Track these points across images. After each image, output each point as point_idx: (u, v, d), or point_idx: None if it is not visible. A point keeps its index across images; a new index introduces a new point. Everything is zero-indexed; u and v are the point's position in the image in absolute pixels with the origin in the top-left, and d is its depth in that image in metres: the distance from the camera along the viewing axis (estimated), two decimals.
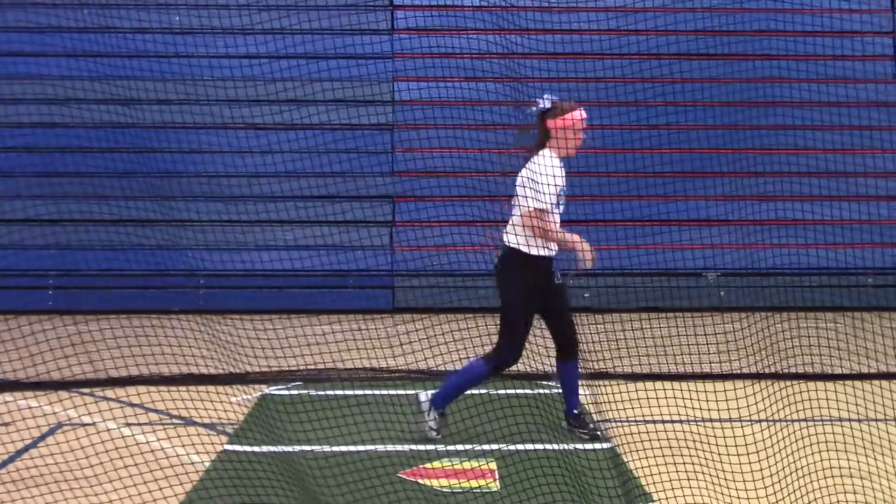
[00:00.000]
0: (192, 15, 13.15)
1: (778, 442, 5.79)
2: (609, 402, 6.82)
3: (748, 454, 5.80)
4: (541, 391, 7.95)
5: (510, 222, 6.64)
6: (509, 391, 7.77)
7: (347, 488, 5.55)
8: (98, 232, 12.56)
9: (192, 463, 6.18)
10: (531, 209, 6.51)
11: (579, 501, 5.38)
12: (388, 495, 5.45)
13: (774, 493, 5.33)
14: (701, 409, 6.51)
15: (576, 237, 6.62)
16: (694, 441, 6.00)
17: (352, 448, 6.27)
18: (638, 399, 6.56)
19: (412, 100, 13.79)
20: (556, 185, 6.54)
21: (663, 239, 12.89)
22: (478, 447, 6.31)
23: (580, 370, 6.80)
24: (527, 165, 6.66)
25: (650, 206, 13.32)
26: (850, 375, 7.54)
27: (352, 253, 12.78)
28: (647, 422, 6.83)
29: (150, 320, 8.98)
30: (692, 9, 13.66)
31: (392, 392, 7.87)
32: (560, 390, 6.97)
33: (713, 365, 8.03)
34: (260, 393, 8.09)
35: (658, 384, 7.23)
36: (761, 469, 5.59)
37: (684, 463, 5.68)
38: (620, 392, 6.68)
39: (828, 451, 5.75)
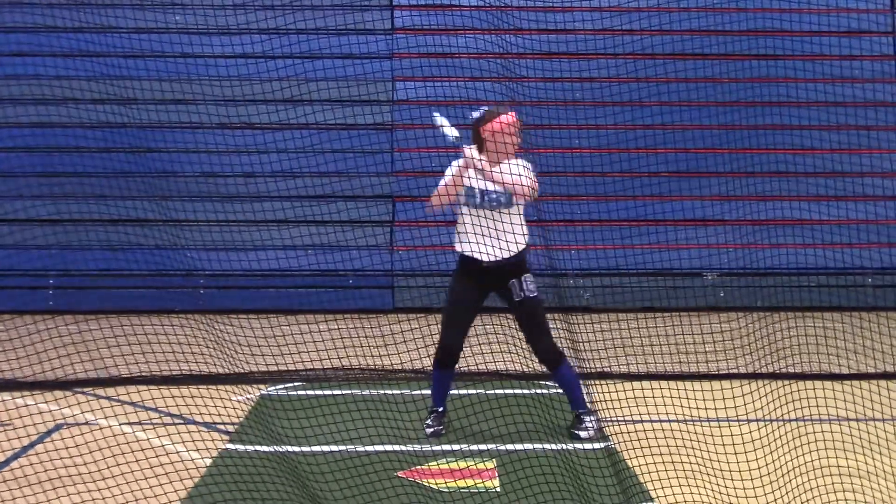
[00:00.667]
0: (188, 14, 13.15)
1: (776, 440, 5.81)
2: (608, 401, 6.84)
3: (747, 453, 5.82)
4: (540, 391, 7.97)
5: (500, 236, 6.67)
6: (509, 391, 7.79)
7: (348, 488, 5.56)
8: (98, 232, 12.56)
9: (193, 460, 6.19)
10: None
11: (578, 500, 5.40)
12: (388, 495, 5.46)
13: (773, 492, 5.35)
14: (699, 408, 6.52)
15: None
16: (693, 440, 6.02)
17: (352, 448, 6.29)
18: (636, 398, 6.58)
19: (411, 99, 13.80)
20: (469, 179, 6.65)
21: (660, 238, 12.89)
22: (477, 447, 6.32)
23: (577, 369, 6.82)
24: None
25: (647, 206, 13.32)
26: (850, 375, 7.56)
27: (351, 252, 12.79)
28: (645, 421, 6.85)
29: (150, 320, 9.00)
30: (692, 8, 13.67)
31: (391, 392, 7.88)
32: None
33: (710, 364, 8.05)
34: (260, 393, 8.10)
35: (656, 384, 7.24)
36: (759, 468, 5.61)
37: (682, 462, 5.70)
38: (619, 391, 6.70)
39: (826, 450, 5.77)
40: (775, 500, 5.30)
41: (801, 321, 8.08)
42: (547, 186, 12.61)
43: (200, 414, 6.68)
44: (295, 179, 12.94)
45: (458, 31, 13.09)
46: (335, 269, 12.87)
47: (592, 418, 6.75)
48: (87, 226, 12.75)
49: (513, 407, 6.94)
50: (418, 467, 6.08)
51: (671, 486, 5.46)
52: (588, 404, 6.78)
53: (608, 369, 7.53)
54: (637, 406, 6.56)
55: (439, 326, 6.78)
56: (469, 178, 6.70)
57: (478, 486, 5.76)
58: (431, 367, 6.93)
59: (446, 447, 6.45)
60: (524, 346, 6.75)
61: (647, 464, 5.77)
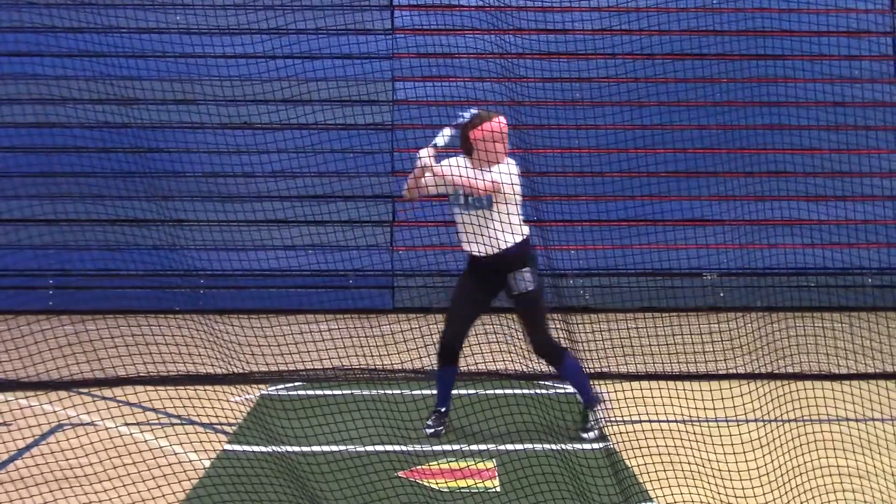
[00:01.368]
0: (189, 14, 13.14)
1: (775, 440, 5.81)
2: (607, 401, 6.84)
3: (746, 453, 5.82)
4: (540, 391, 7.97)
5: (498, 228, 6.70)
6: (509, 391, 7.79)
7: (348, 488, 5.56)
8: (97, 232, 12.54)
9: (191, 461, 6.20)
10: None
11: (578, 500, 5.40)
12: (388, 495, 5.47)
13: (773, 492, 5.35)
14: (699, 408, 6.52)
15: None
16: (692, 440, 6.02)
17: (352, 448, 6.29)
18: (635, 398, 6.58)
19: (411, 99, 13.80)
20: (452, 177, 6.68)
21: (659, 238, 12.89)
22: (477, 447, 6.33)
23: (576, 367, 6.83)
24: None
25: (647, 205, 13.32)
26: (850, 375, 7.55)
27: (351, 252, 12.79)
28: (644, 421, 6.85)
29: (150, 320, 8.99)
30: (692, 9, 13.67)
31: (392, 392, 7.88)
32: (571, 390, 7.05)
33: (710, 364, 8.04)
34: (260, 393, 8.10)
35: (656, 384, 7.24)
36: (758, 468, 5.61)
37: (681, 462, 5.70)
38: (618, 391, 6.70)
39: (826, 450, 5.77)
40: (774, 500, 5.30)
41: (800, 321, 8.08)
42: (546, 186, 12.62)
43: (200, 416, 6.68)
44: (295, 179, 12.95)
45: (458, 31, 13.10)
46: (335, 269, 12.87)
47: (599, 414, 6.79)
48: (86, 226, 12.73)
49: (512, 407, 6.94)
50: (418, 467, 6.08)
51: (670, 486, 5.46)
52: (598, 395, 6.83)
53: (607, 369, 7.52)
54: (636, 406, 6.56)
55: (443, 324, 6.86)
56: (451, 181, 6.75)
57: (477, 485, 5.76)
58: (431, 367, 6.95)
59: (446, 447, 6.45)
60: (524, 346, 6.77)
61: (646, 464, 5.77)
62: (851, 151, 13.31)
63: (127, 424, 7.11)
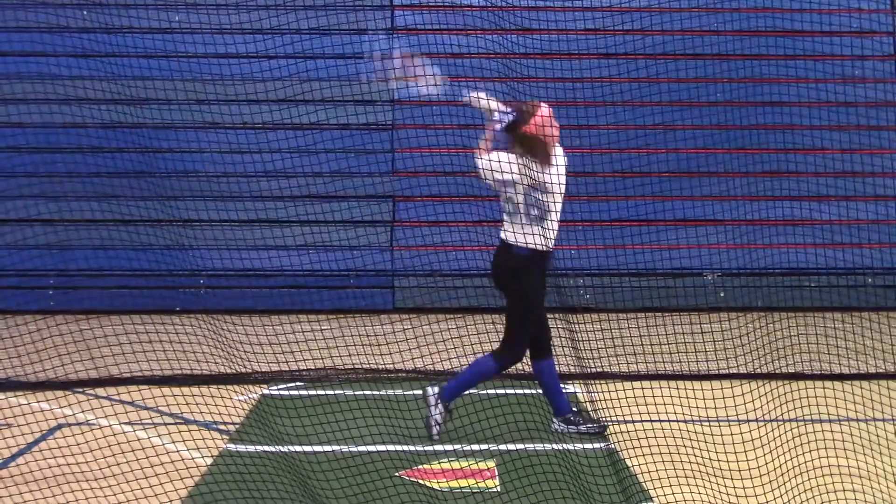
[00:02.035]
0: (191, 13, 13.14)
1: (776, 440, 5.80)
2: (608, 401, 6.84)
3: (746, 453, 5.82)
4: (540, 391, 7.96)
5: (519, 222, 6.66)
6: (508, 391, 7.79)
7: (348, 487, 5.56)
8: (98, 231, 12.54)
9: (193, 459, 6.20)
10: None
11: (579, 500, 5.40)
12: (388, 495, 5.46)
13: (773, 492, 5.34)
14: (699, 408, 6.52)
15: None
16: (692, 440, 6.02)
17: (352, 448, 6.29)
18: (635, 398, 6.58)
19: (412, 99, 13.78)
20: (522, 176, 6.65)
21: (660, 238, 12.88)
22: (478, 447, 6.32)
23: (576, 370, 6.83)
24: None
25: (648, 205, 13.32)
26: (850, 375, 7.55)
27: (352, 252, 12.78)
28: (645, 421, 6.85)
29: (150, 320, 9.00)
30: (693, 9, 13.66)
31: (392, 392, 7.88)
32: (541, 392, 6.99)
33: (710, 364, 8.05)
34: (260, 393, 8.10)
35: (656, 384, 7.25)
36: (758, 468, 5.61)
37: (682, 462, 5.70)
38: (619, 392, 6.70)
39: (826, 450, 5.77)
40: (775, 500, 5.30)
41: (801, 321, 8.08)
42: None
43: (201, 413, 6.68)
44: (297, 179, 12.94)
45: (458, 31, 13.08)
46: (335, 268, 12.87)
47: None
48: (87, 225, 12.74)
49: (513, 406, 6.94)
50: (418, 467, 6.08)
51: (670, 486, 5.46)
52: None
53: (608, 369, 7.53)
54: (636, 406, 6.56)
55: (515, 329, 6.74)
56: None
57: (477, 485, 5.76)
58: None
59: (446, 447, 6.45)
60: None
61: (646, 463, 5.77)
62: (853, 151, 13.30)
63: (130, 423, 7.11)
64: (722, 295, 13.10)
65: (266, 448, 6.24)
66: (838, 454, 5.80)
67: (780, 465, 5.55)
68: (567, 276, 12.34)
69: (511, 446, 6.32)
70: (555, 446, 6.41)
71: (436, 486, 5.75)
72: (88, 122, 12.91)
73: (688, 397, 6.51)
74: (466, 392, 6.85)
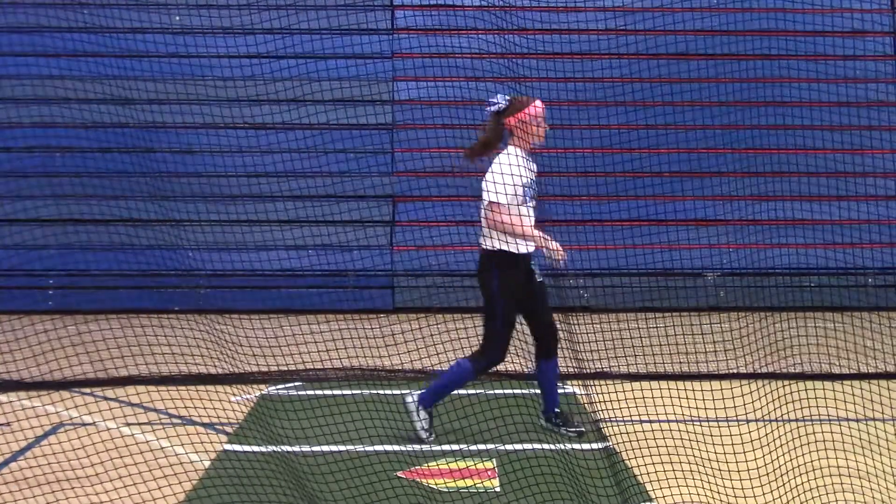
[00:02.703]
0: (192, 14, 13.14)
1: (776, 440, 5.80)
2: (607, 401, 6.83)
3: (746, 453, 5.82)
4: (538, 391, 7.95)
5: (483, 224, 6.67)
6: (509, 391, 7.79)
7: (347, 488, 5.56)
8: (98, 232, 12.55)
9: (192, 462, 6.20)
10: (487, 202, 6.53)
11: (577, 501, 5.40)
12: (388, 495, 5.47)
13: (773, 492, 5.34)
14: (699, 408, 6.52)
15: (544, 235, 6.64)
16: (692, 440, 6.02)
17: (352, 448, 6.29)
18: (635, 398, 6.57)
19: (412, 99, 13.80)
20: (520, 178, 6.53)
21: (661, 238, 12.88)
22: (477, 447, 6.32)
23: (575, 370, 6.82)
24: (491, 163, 6.68)
25: (648, 206, 13.32)
26: (850, 375, 7.54)
27: (352, 253, 12.79)
28: (644, 421, 6.85)
29: (151, 320, 8.99)
30: (694, 9, 13.67)
31: (391, 392, 7.88)
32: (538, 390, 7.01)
33: (710, 364, 8.04)
34: (260, 393, 8.10)
35: (656, 384, 7.24)
36: (758, 468, 5.61)
37: (681, 462, 5.69)
38: (618, 392, 6.70)
39: (826, 450, 5.77)
40: (774, 500, 5.30)
41: (801, 321, 8.08)
42: (547, 186, 12.60)
43: (200, 416, 6.68)
44: (297, 180, 12.95)
45: (458, 31, 13.09)
46: (336, 269, 12.87)
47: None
48: (87, 226, 12.75)
49: (513, 407, 6.94)
50: (418, 467, 6.08)
51: (670, 487, 5.46)
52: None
53: (608, 369, 7.52)
54: (636, 406, 6.56)
55: (488, 331, 6.72)
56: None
57: (477, 485, 5.76)
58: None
59: (446, 447, 6.45)
60: (528, 345, 6.78)
61: (646, 464, 5.77)
62: (853, 151, 13.30)
63: (129, 424, 7.11)
64: (722, 295, 13.10)
65: (265, 449, 6.23)
66: (838, 454, 5.80)
67: (780, 466, 5.55)
68: (567, 276, 12.34)
69: (511, 446, 6.32)
70: (554, 447, 6.41)
71: (436, 487, 5.75)
72: (90, 122, 12.92)
73: (688, 397, 6.50)
74: (448, 395, 6.82)
